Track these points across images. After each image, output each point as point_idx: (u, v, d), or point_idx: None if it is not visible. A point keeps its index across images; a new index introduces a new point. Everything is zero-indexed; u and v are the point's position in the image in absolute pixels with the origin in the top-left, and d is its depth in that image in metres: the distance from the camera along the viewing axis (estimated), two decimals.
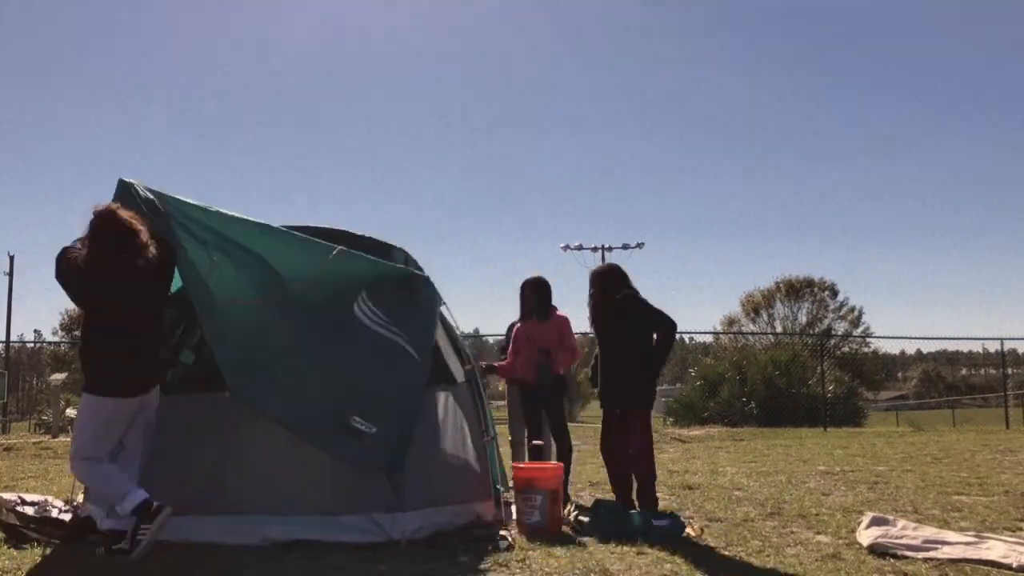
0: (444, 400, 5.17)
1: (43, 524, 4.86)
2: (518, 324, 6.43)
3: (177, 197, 4.70)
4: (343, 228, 5.34)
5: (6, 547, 4.52)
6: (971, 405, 40.85)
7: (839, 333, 45.81)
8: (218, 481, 4.71)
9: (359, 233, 5.35)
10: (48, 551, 4.41)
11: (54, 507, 5.34)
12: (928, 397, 53.97)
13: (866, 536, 4.70)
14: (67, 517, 5.05)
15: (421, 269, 5.23)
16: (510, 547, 4.55)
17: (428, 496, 4.86)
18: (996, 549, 4.43)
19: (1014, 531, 5.09)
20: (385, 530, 4.59)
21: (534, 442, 6.16)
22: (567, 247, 37.24)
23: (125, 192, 4.57)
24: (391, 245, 5.32)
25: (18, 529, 4.71)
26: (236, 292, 4.66)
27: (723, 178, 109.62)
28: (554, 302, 6.35)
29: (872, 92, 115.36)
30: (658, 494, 6.60)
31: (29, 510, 5.11)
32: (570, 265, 38.58)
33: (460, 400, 5.27)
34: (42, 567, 4.11)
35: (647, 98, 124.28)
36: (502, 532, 4.82)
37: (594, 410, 30.20)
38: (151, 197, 4.58)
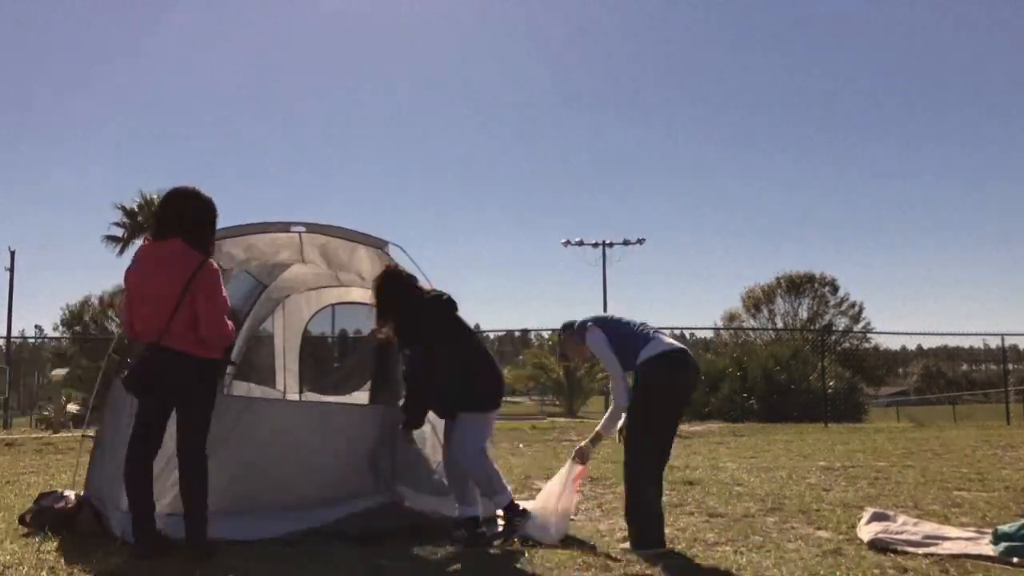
0: None
1: (42, 515, 4.88)
2: None
3: None
4: (339, 224, 5.47)
5: (8, 542, 4.53)
6: (972, 401, 40.75)
7: (840, 329, 45.85)
8: (239, 481, 4.82)
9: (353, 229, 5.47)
10: (47, 545, 4.42)
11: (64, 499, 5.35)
12: (929, 393, 53.90)
13: (867, 531, 4.70)
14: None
15: (416, 265, 5.34)
16: (513, 540, 4.56)
17: (434, 487, 4.95)
18: None
19: None
20: (390, 522, 4.66)
21: None
22: (568, 243, 37.31)
23: None
24: (385, 240, 5.42)
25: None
26: None
27: (724, 174, 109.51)
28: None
29: (873, 88, 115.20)
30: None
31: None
32: (571, 261, 38.65)
33: None
34: (43, 562, 4.12)
35: (648, 94, 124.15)
36: (502, 526, 4.84)
37: (596, 405, 30.22)
38: None
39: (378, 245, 5.46)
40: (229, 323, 4.17)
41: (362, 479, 4.86)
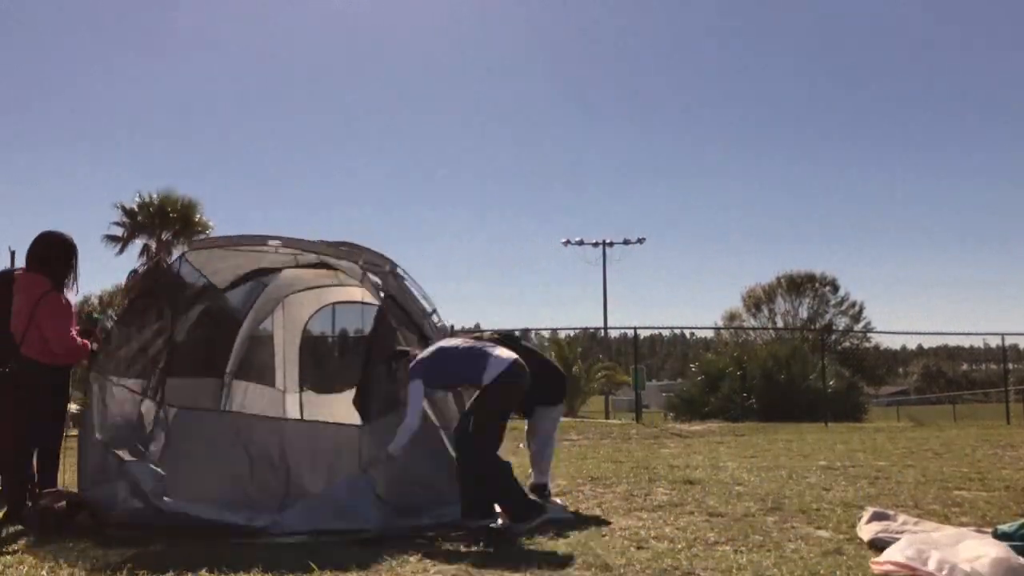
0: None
1: (42, 515, 4.88)
2: None
3: None
4: (342, 239, 5.56)
5: (8, 542, 4.52)
6: (972, 400, 40.77)
7: (840, 328, 45.89)
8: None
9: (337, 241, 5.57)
10: (47, 545, 4.42)
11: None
12: (929, 392, 53.94)
13: (867, 531, 4.70)
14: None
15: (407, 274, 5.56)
16: (511, 541, 4.56)
17: (437, 487, 5.00)
18: None
19: None
20: (389, 522, 4.72)
21: None
22: (568, 242, 37.31)
23: None
24: (380, 254, 5.54)
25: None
26: None
27: (725, 174, 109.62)
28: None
29: (874, 88, 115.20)
30: (659, 488, 6.61)
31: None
32: (571, 261, 38.74)
33: (469, 393, 5.38)
34: (43, 562, 4.12)
35: (650, 95, 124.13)
36: (503, 525, 4.84)
37: (596, 405, 30.21)
38: None
39: (352, 259, 5.43)
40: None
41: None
